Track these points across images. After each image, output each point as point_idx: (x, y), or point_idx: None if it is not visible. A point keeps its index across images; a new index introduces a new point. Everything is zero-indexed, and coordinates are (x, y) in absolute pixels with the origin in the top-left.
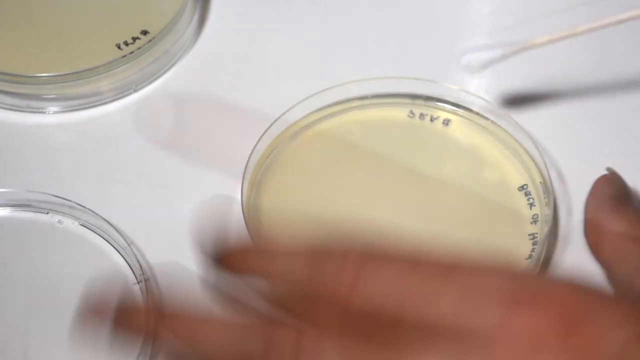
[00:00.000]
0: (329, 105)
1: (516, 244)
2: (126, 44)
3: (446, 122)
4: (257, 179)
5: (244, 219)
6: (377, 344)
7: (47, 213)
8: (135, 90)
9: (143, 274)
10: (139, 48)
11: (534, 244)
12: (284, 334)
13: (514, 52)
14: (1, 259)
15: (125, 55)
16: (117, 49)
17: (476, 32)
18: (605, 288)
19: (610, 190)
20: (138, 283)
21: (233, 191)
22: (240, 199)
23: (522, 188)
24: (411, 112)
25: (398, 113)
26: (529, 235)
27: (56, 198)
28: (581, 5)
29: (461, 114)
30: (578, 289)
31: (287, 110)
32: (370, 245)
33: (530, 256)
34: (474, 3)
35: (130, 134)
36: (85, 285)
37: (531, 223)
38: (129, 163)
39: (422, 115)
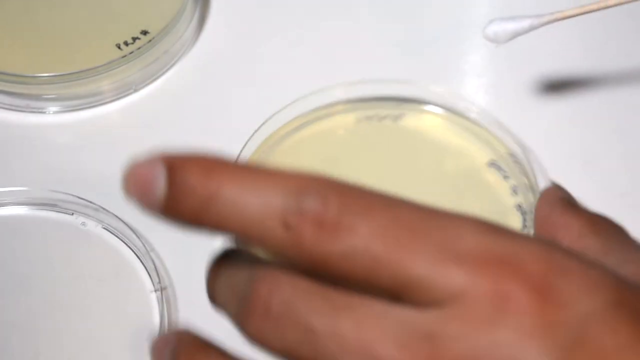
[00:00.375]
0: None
1: (504, 219)
2: (126, 44)
3: (395, 119)
4: None
5: None
6: (336, 294)
7: (72, 214)
8: (136, 90)
9: (160, 282)
10: (139, 48)
11: (522, 213)
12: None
13: (542, 23)
14: (22, 258)
15: (125, 55)
16: (117, 49)
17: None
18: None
19: (560, 194)
20: (155, 291)
21: None
22: None
23: (491, 164)
24: (366, 116)
25: (349, 118)
26: (515, 206)
27: (82, 200)
28: None
29: (412, 108)
30: (550, 251)
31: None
32: (350, 186)
33: (525, 226)
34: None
35: (130, 134)
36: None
37: (512, 195)
38: (129, 163)
39: (371, 118)
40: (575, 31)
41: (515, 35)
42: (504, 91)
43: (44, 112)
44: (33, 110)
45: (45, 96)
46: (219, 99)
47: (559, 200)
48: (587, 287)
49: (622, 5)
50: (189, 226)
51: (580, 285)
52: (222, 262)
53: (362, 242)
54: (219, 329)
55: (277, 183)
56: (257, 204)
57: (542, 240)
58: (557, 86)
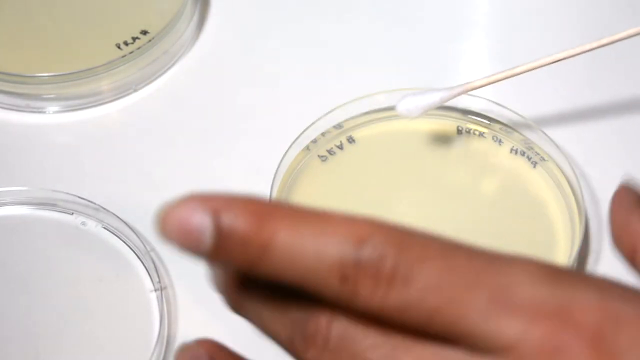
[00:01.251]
0: (362, 114)
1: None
2: (126, 43)
3: (492, 138)
4: (287, 183)
5: None
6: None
7: (72, 214)
8: (135, 90)
9: (160, 281)
10: (138, 48)
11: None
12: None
13: (452, 95)
14: (22, 257)
15: (125, 55)
16: (116, 49)
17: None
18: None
19: (635, 195)
20: (155, 291)
21: (238, 190)
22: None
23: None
24: (459, 128)
25: (441, 127)
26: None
27: (81, 199)
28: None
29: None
30: (605, 299)
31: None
32: (404, 233)
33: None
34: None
35: (129, 133)
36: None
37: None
38: (128, 163)
39: (467, 131)
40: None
41: (428, 109)
42: (502, 90)
43: (44, 112)
44: (33, 110)
45: (45, 96)
46: (218, 99)
47: (635, 204)
48: None
49: (530, 71)
50: (239, 270)
51: (634, 334)
52: (252, 284)
53: (417, 295)
54: (219, 329)
55: (332, 231)
56: (313, 255)
57: (599, 283)
58: (557, 86)
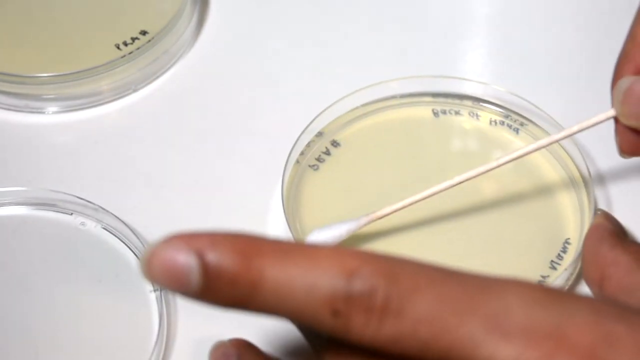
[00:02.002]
0: (364, 105)
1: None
2: (125, 44)
3: (492, 122)
4: (295, 179)
5: (285, 215)
6: None
7: (71, 214)
8: (135, 91)
9: None
10: (138, 48)
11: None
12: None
13: (360, 225)
14: (21, 258)
15: (124, 56)
16: (116, 49)
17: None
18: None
19: (609, 227)
20: (154, 291)
21: (238, 190)
22: (280, 192)
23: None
24: (434, 110)
25: (417, 112)
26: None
27: (81, 200)
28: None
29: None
30: (598, 319)
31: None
32: (394, 263)
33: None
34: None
35: (129, 134)
36: (102, 290)
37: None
38: (128, 163)
39: (442, 112)
40: (569, 28)
41: (337, 241)
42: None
43: (43, 112)
44: (32, 111)
45: (45, 96)
46: (218, 99)
47: (607, 233)
48: (634, 353)
49: (446, 190)
50: (230, 310)
51: (628, 352)
52: None
53: (410, 325)
54: (219, 329)
55: (320, 265)
56: (303, 290)
57: (592, 303)
58: (557, 86)
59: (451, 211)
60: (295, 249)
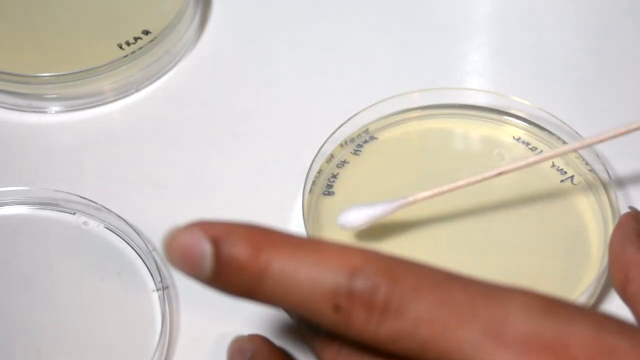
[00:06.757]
0: (391, 115)
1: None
2: (128, 43)
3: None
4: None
5: (304, 219)
6: None
7: (74, 214)
8: (137, 90)
9: (162, 281)
10: (140, 48)
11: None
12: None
13: (394, 209)
14: (24, 257)
15: (126, 55)
16: (118, 48)
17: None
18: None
19: (636, 227)
20: (157, 291)
21: (239, 190)
22: (302, 195)
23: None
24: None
25: (467, 127)
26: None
27: (83, 199)
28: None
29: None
30: (599, 333)
31: (352, 117)
32: (398, 263)
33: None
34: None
35: (131, 133)
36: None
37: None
38: (130, 163)
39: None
40: (571, 30)
41: (370, 220)
42: (504, 90)
43: (46, 112)
44: (35, 110)
45: (47, 96)
46: (220, 99)
47: (635, 233)
48: None
49: (471, 185)
50: (239, 298)
51: None
52: None
53: (409, 326)
54: (221, 328)
55: (326, 260)
56: (308, 283)
57: (595, 316)
58: (556, 85)
59: (470, 212)
60: (303, 244)
